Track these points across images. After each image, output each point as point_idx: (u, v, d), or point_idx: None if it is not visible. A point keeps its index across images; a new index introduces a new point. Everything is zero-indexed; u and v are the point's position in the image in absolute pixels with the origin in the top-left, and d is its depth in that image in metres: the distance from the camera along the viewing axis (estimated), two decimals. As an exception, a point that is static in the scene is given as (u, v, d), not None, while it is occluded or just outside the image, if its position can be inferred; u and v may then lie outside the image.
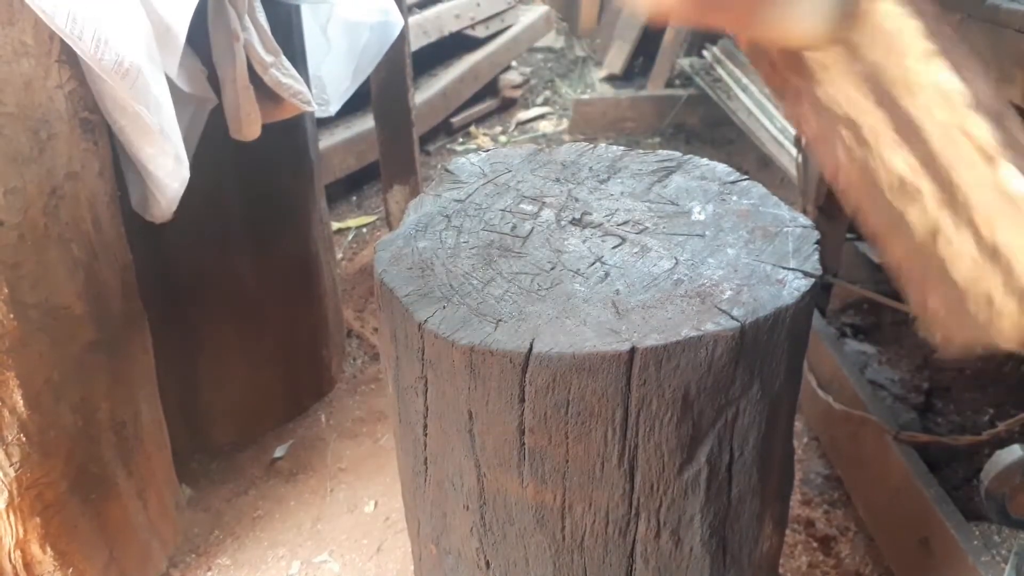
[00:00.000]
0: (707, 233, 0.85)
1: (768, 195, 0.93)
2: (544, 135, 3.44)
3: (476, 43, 3.33)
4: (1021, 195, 0.38)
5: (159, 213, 1.24)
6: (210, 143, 1.31)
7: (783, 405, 0.81)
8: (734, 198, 0.92)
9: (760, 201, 0.91)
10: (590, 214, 0.89)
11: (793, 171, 1.94)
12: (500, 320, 0.73)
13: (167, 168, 1.15)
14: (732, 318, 0.71)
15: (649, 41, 3.59)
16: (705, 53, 3.38)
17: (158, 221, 1.27)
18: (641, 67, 3.72)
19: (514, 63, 3.72)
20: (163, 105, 1.08)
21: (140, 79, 1.03)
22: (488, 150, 1.07)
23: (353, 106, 2.53)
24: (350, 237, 2.56)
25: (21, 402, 1.09)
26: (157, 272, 1.43)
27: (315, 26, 1.59)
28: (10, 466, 1.11)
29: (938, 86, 0.39)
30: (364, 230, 2.61)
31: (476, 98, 3.39)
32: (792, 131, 1.94)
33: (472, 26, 3.26)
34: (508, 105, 3.61)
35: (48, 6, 0.95)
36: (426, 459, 0.85)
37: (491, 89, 3.50)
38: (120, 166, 1.23)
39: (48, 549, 1.19)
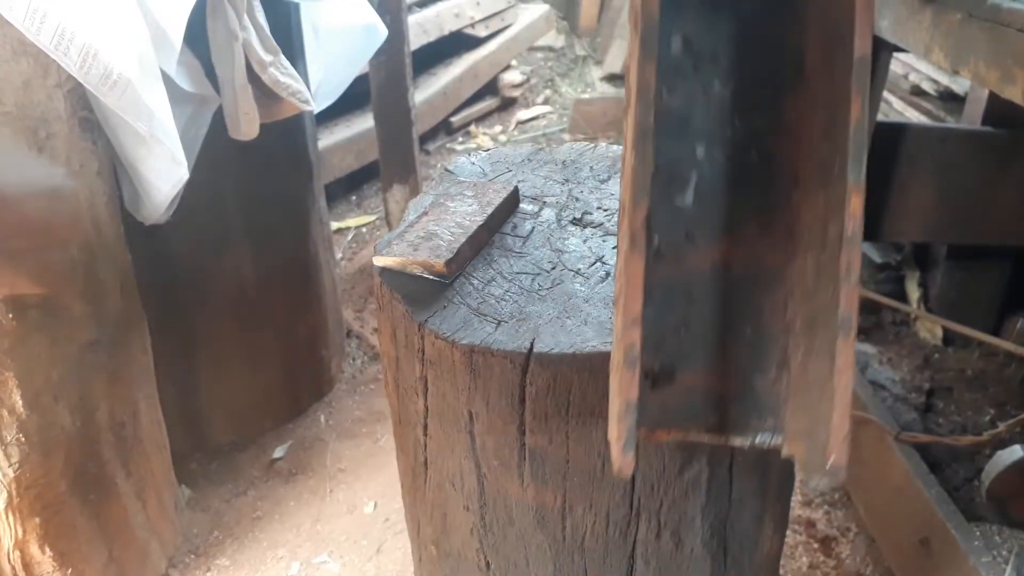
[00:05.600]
0: (708, 233, 0.84)
1: (769, 195, 0.93)
2: (544, 135, 3.44)
3: (476, 42, 3.33)
4: None
5: (148, 214, 1.24)
6: (209, 143, 1.31)
7: (784, 405, 0.81)
8: (735, 198, 0.92)
9: (761, 201, 0.91)
10: (591, 214, 0.89)
11: (793, 171, 1.94)
12: (500, 320, 0.72)
13: (158, 170, 1.14)
14: (733, 318, 0.70)
15: (649, 41, 3.58)
16: (705, 53, 3.37)
17: (148, 223, 1.26)
18: (641, 67, 3.72)
19: (514, 62, 3.72)
20: (156, 113, 1.07)
21: (130, 90, 1.02)
22: (488, 149, 1.06)
23: (353, 106, 2.53)
24: (350, 237, 2.56)
25: (20, 402, 1.09)
26: (157, 272, 1.42)
27: (308, 26, 1.58)
28: (9, 466, 1.11)
29: None
30: (364, 230, 2.61)
31: (476, 97, 3.38)
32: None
33: (472, 25, 3.26)
34: (508, 104, 3.60)
35: (33, 24, 0.94)
36: (426, 460, 0.85)
37: (491, 88, 3.50)
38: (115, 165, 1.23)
39: (47, 549, 1.19)
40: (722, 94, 0.43)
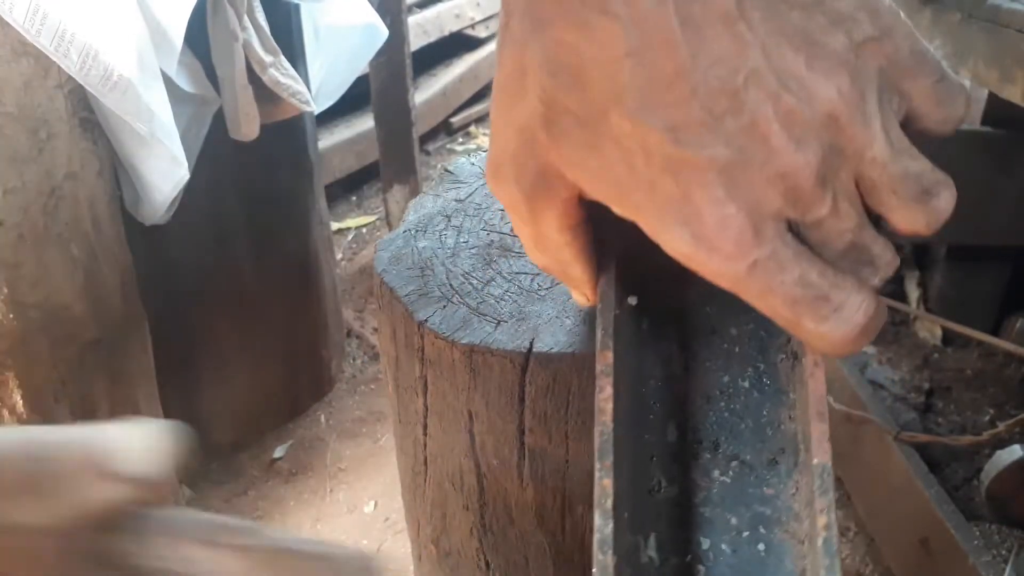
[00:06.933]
0: (707, 233, 0.84)
1: (768, 195, 0.93)
2: (544, 135, 3.44)
3: (476, 43, 3.33)
4: None
5: (148, 214, 1.24)
6: (209, 143, 1.31)
7: (783, 405, 0.81)
8: (734, 198, 0.92)
9: (760, 201, 0.91)
10: (590, 214, 0.89)
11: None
12: (500, 320, 0.72)
13: (159, 170, 1.15)
14: (732, 318, 0.70)
15: (649, 41, 3.58)
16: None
17: (148, 223, 1.26)
18: (641, 67, 3.72)
19: (514, 63, 3.72)
20: (156, 112, 1.07)
21: (130, 90, 1.02)
22: (488, 150, 1.07)
23: (353, 106, 2.53)
24: (350, 237, 2.56)
25: (21, 402, 1.09)
26: (157, 272, 1.42)
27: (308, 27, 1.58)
28: (9, 466, 1.11)
29: None
30: (364, 230, 2.61)
31: (476, 98, 3.39)
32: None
33: (472, 26, 3.26)
34: (508, 105, 3.60)
35: (33, 26, 0.95)
36: (426, 459, 0.85)
37: (491, 89, 3.50)
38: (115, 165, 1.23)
39: (47, 549, 1.19)
40: (722, 482, 0.40)
